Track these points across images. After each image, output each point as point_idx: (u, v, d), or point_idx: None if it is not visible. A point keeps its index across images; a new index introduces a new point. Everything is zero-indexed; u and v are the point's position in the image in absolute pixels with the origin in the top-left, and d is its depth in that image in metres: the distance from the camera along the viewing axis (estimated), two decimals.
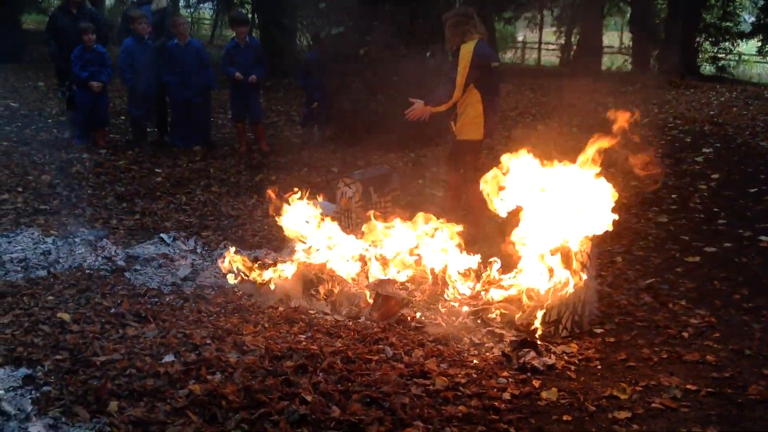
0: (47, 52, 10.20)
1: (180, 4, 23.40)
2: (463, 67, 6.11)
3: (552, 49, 30.91)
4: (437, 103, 6.27)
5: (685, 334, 4.36)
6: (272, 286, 4.92)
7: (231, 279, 5.10)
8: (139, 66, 9.16)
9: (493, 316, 4.56)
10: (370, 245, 5.32)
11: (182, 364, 3.74)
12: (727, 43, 23.84)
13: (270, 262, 5.31)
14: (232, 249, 5.42)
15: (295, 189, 5.67)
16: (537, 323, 4.37)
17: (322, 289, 4.85)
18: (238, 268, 5.14)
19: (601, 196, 4.43)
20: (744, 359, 4.03)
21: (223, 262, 5.21)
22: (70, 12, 9.31)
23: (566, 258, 4.40)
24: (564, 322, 4.35)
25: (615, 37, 33.29)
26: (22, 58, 17.99)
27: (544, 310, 4.35)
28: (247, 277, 5.09)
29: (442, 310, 4.70)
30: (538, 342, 4.17)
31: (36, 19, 27.49)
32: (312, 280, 4.88)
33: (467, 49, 6.13)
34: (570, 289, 4.35)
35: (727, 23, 23.62)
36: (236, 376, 3.61)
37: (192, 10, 27.83)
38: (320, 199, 6.27)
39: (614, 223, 4.46)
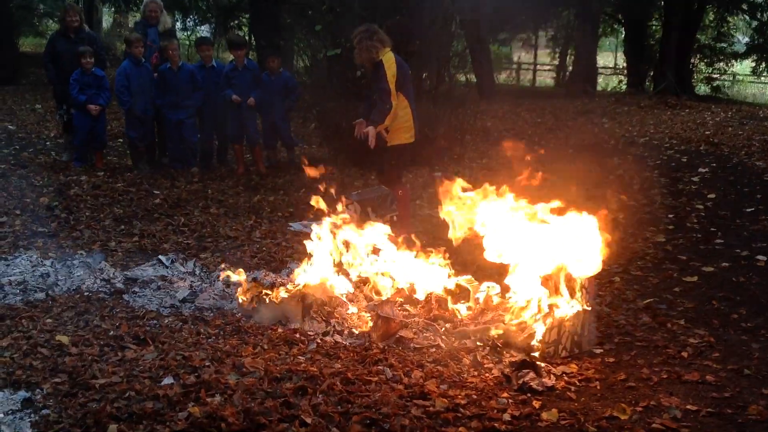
0: (45, 75, 10.24)
1: (177, 26, 23.53)
2: (391, 74, 6.39)
3: (547, 70, 31.11)
4: (381, 118, 6.41)
5: (685, 354, 4.35)
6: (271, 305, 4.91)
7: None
8: (135, 88, 9.19)
9: (494, 333, 4.55)
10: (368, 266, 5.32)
11: (181, 386, 3.73)
12: (721, 64, 24.06)
13: (271, 283, 5.29)
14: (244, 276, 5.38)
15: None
16: (536, 343, 4.37)
17: (321, 311, 4.84)
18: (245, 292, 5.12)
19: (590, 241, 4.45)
20: (743, 379, 4.03)
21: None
22: (69, 36, 9.37)
23: (566, 279, 4.41)
24: (564, 343, 4.35)
25: (610, 57, 33.55)
26: (20, 81, 18.06)
27: (543, 331, 4.35)
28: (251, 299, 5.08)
29: (441, 330, 4.69)
30: (538, 362, 4.16)
31: (33, 42, 27.63)
32: (312, 301, 4.87)
33: (389, 59, 6.45)
34: (569, 310, 4.35)
35: (722, 44, 23.83)
36: (236, 399, 3.60)
37: (189, 33, 27.93)
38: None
39: (610, 244, 4.47)
